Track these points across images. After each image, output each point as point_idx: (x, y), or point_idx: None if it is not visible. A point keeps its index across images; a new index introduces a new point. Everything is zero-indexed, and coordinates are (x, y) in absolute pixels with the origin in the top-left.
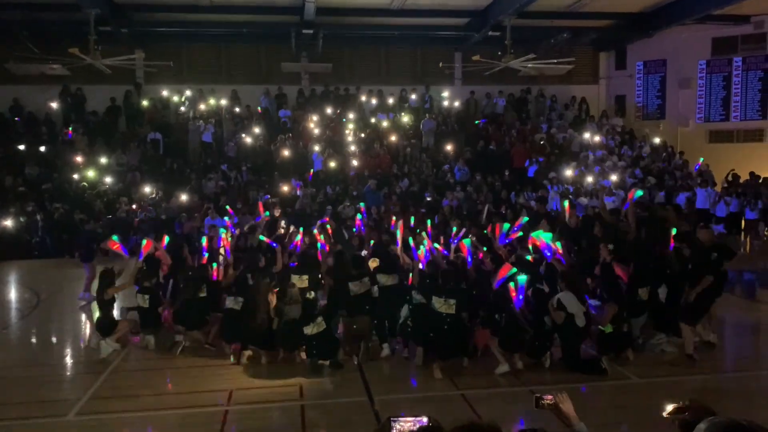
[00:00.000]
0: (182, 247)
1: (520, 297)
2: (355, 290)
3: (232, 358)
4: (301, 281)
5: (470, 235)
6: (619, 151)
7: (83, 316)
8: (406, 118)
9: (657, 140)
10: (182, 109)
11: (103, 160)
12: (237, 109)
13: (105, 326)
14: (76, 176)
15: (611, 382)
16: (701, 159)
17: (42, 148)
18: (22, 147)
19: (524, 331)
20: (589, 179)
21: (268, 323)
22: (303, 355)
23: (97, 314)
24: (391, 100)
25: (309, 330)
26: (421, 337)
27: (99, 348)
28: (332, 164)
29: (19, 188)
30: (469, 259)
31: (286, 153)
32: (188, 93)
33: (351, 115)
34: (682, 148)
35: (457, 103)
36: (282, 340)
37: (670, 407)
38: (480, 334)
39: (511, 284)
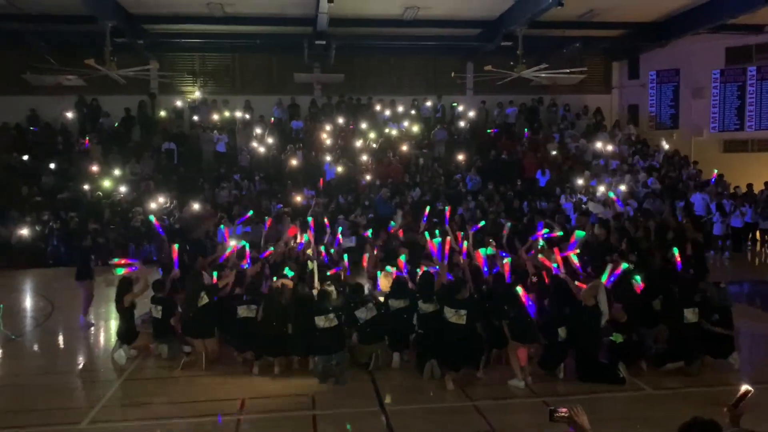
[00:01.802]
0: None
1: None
2: (362, 317)
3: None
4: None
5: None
6: (632, 160)
7: (92, 326)
8: (416, 128)
9: (666, 146)
10: (194, 103)
11: (118, 170)
12: (247, 116)
13: (125, 334)
14: (88, 186)
15: (625, 393)
16: (715, 170)
17: (58, 159)
18: (37, 157)
19: (533, 322)
20: (602, 189)
21: (282, 330)
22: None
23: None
24: (401, 108)
25: (321, 323)
26: (431, 349)
27: (115, 357)
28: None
29: (35, 198)
30: (485, 269)
31: (294, 163)
32: (198, 94)
33: (363, 125)
34: (696, 157)
35: (471, 114)
36: (294, 344)
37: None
38: (520, 351)
39: (518, 290)
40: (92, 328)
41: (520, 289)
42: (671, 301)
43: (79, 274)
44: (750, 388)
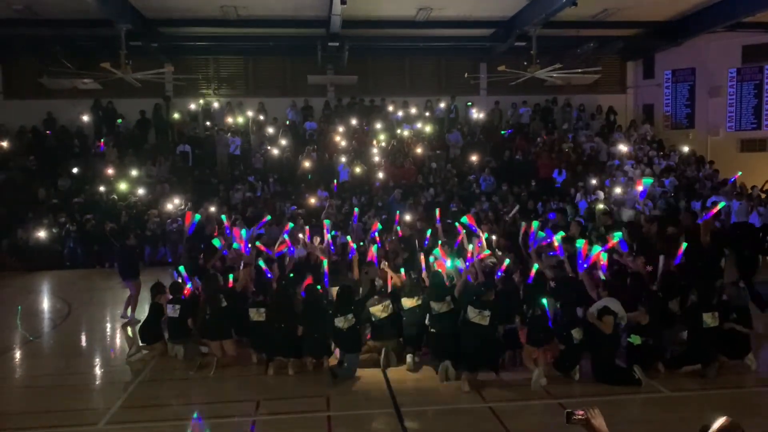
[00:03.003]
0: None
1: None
2: (378, 316)
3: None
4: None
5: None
6: (648, 160)
7: (109, 326)
8: (429, 128)
9: (686, 149)
10: (209, 107)
11: (134, 172)
12: (261, 117)
13: (149, 332)
14: (104, 188)
15: (642, 396)
16: (739, 173)
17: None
18: (54, 160)
19: (550, 326)
20: (617, 189)
21: (293, 332)
22: (332, 360)
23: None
24: (414, 110)
25: (340, 323)
26: (446, 350)
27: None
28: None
29: (52, 200)
30: (499, 273)
31: (307, 164)
32: (215, 104)
33: (377, 126)
34: (712, 157)
35: (482, 114)
36: (307, 346)
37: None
38: (540, 352)
39: (544, 302)
40: (105, 328)
41: (545, 301)
42: (690, 305)
43: (127, 272)
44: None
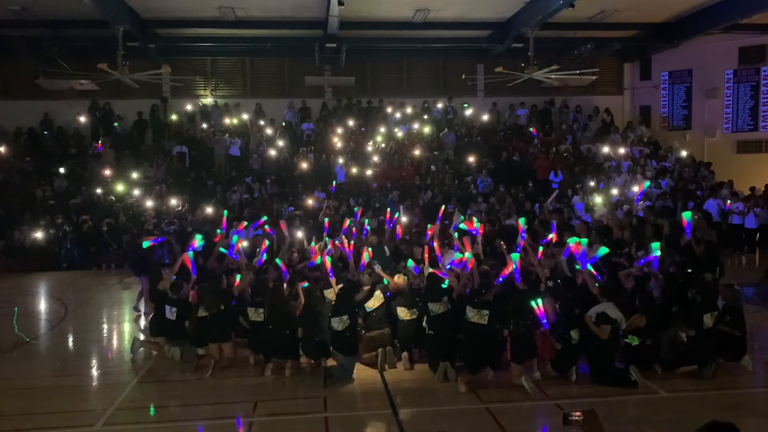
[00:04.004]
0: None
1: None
2: (371, 306)
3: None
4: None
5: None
6: (645, 161)
7: (106, 327)
8: (426, 129)
9: (684, 154)
10: (206, 108)
11: (131, 173)
12: (261, 122)
13: (157, 325)
14: (101, 189)
15: (639, 396)
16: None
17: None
18: (51, 161)
19: (535, 341)
20: (614, 191)
21: (293, 333)
22: (329, 361)
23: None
24: (410, 110)
25: (335, 325)
26: (445, 351)
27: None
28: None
29: (49, 201)
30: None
31: (304, 166)
32: (210, 100)
33: (374, 128)
34: (709, 158)
35: (484, 117)
36: (306, 347)
37: None
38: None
39: (535, 302)
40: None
41: (540, 301)
42: (691, 306)
43: (139, 269)
44: None
